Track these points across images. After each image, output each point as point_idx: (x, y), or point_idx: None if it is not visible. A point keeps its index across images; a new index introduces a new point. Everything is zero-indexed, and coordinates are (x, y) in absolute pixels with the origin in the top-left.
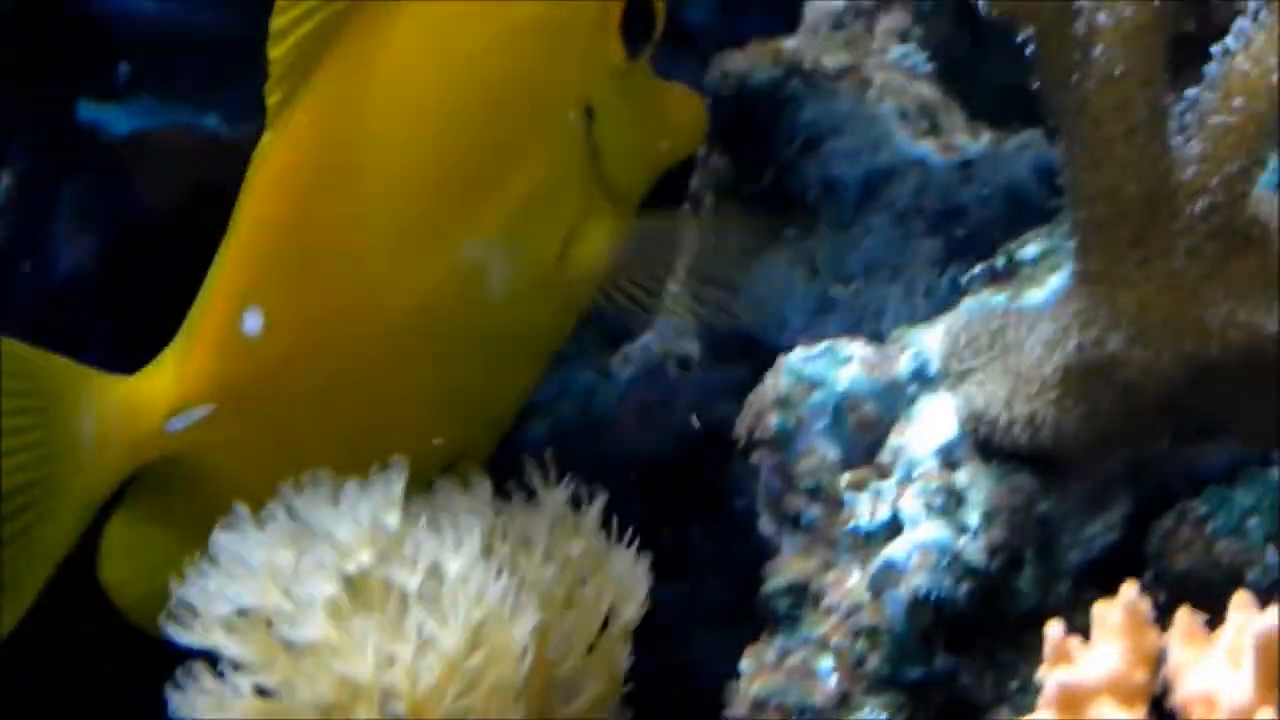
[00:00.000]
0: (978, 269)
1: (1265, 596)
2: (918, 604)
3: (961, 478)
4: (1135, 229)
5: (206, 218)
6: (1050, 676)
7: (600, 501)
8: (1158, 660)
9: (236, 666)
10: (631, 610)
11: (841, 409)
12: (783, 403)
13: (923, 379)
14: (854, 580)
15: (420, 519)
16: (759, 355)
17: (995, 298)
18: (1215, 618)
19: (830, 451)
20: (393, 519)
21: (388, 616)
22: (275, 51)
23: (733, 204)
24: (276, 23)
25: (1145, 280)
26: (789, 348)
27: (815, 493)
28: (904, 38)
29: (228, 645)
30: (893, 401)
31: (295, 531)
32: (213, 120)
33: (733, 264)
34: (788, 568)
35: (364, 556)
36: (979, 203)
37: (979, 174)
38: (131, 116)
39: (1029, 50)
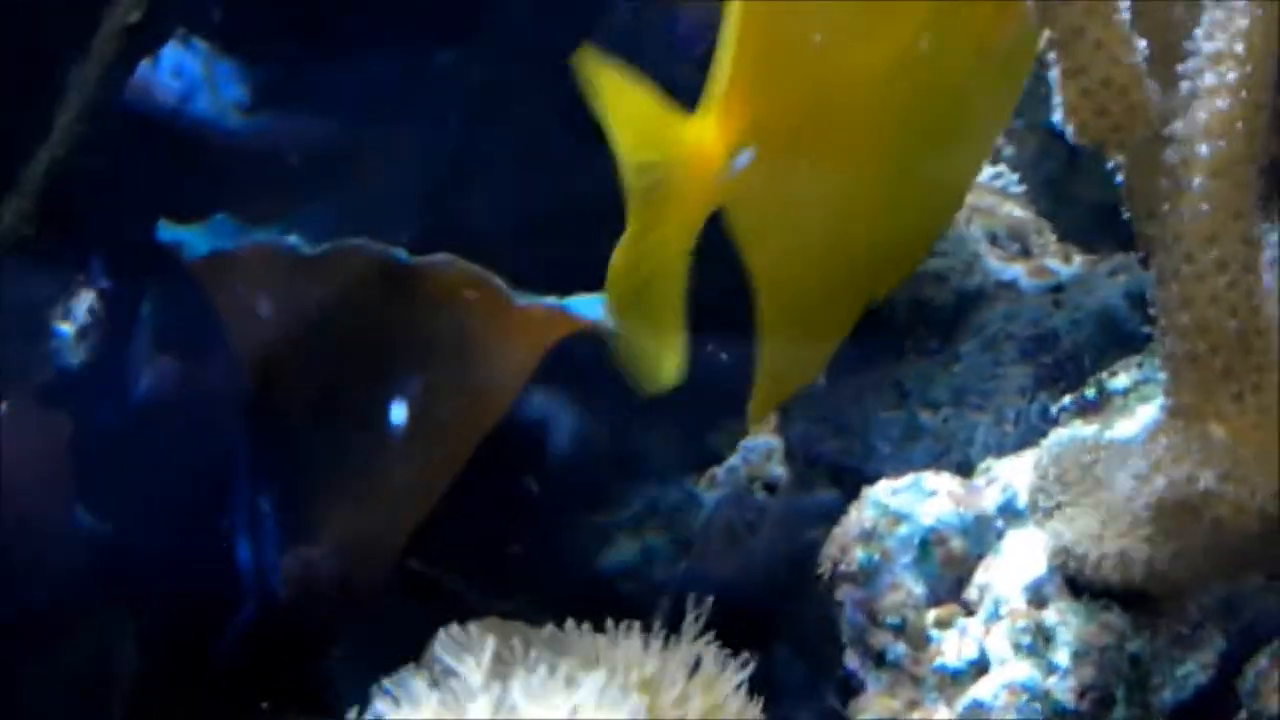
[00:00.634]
0: (1068, 399)
1: None
2: None
3: (1050, 615)
4: (1228, 362)
5: (285, 337)
6: None
7: (745, 669)
8: None
9: None
10: None
11: (927, 544)
12: (867, 536)
13: (1010, 513)
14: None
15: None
16: (846, 480)
17: (1085, 429)
18: None
19: (916, 587)
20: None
21: None
22: None
23: None
24: None
25: (1238, 415)
26: (876, 474)
27: (900, 629)
28: (995, 157)
29: None
30: (980, 536)
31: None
32: (294, 239)
33: (820, 389)
34: (873, 705)
35: None
36: (1070, 328)
37: (1070, 299)
38: (212, 236)
39: (1119, 178)
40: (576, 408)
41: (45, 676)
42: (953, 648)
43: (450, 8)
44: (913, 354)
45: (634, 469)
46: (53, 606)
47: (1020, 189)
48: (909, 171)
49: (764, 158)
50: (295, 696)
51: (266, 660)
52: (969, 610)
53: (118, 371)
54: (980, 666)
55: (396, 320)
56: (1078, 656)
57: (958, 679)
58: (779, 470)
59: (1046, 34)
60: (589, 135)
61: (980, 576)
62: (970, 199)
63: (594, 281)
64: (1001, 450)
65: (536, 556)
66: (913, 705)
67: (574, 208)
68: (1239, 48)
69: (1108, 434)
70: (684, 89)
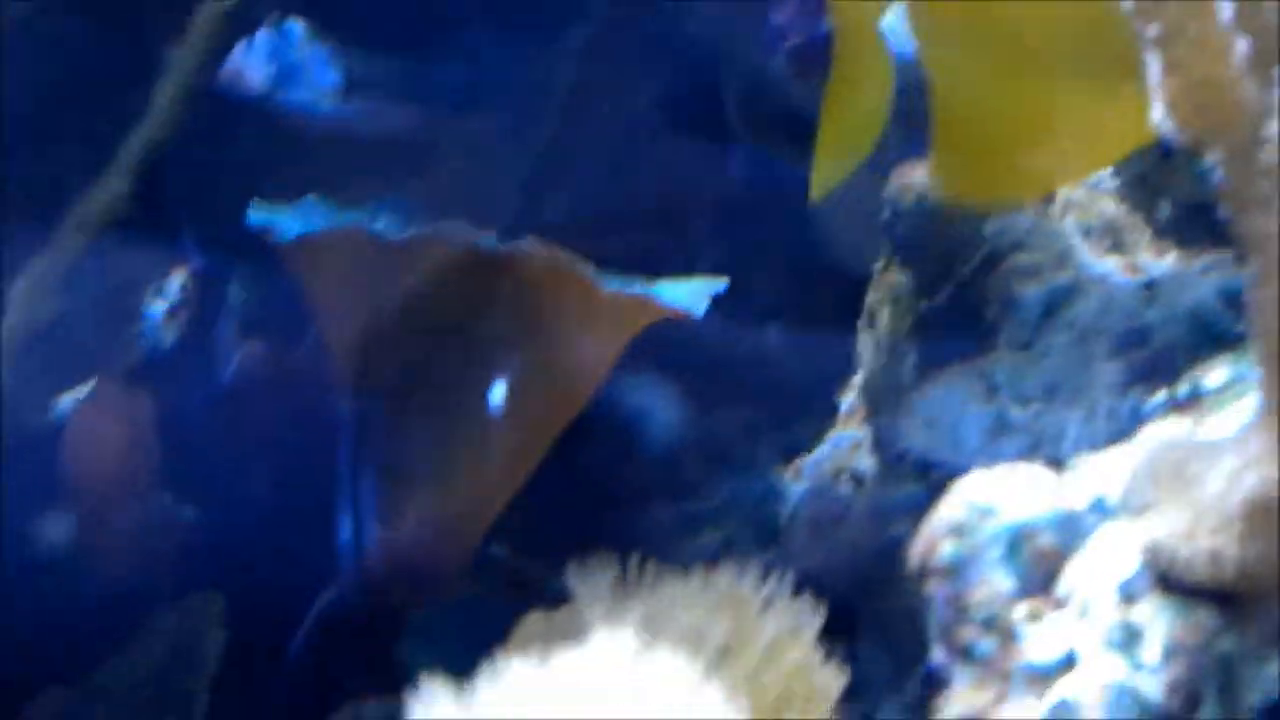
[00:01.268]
0: (1160, 396)
1: None
2: None
3: (1140, 613)
4: None
5: (372, 321)
6: None
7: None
8: None
9: None
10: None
11: (1017, 539)
12: (956, 531)
13: (1101, 509)
14: (1029, 716)
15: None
16: (934, 475)
17: (1177, 427)
18: None
19: (1005, 582)
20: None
21: None
22: None
23: (909, 320)
24: None
25: None
26: (965, 468)
27: (989, 624)
28: None
29: None
30: (1070, 532)
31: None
32: (383, 224)
33: (909, 382)
34: (960, 700)
35: None
36: (1162, 325)
37: (1163, 295)
38: (302, 219)
39: (1215, 176)
40: (663, 396)
41: (132, 659)
42: (1041, 644)
43: None
44: (1004, 348)
45: (719, 459)
46: (138, 588)
47: (1114, 184)
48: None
49: None
50: (373, 680)
51: (347, 643)
52: (1058, 606)
53: (206, 353)
54: (1068, 663)
55: (483, 306)
56: (1167, 654)
57: (1046, 675)
58: (866, 463)
59: (1146, 31)
60: (683, 129)
61: (1070, 573)
62: (1063, 193)
63: (680, 269)
64: (1092, 446)
65: (619, 546)
66: (1000, 700)
67: (664, 198)
68: None
69: (1200, 432)
70: (775, 80)
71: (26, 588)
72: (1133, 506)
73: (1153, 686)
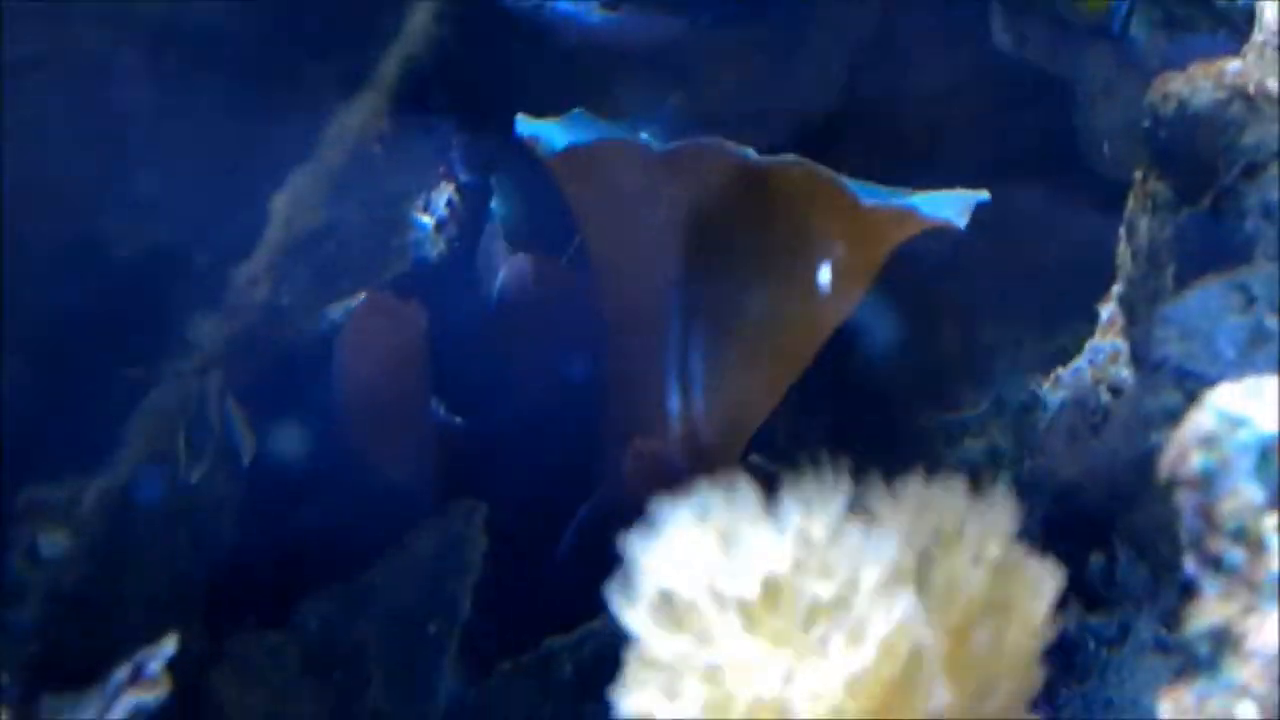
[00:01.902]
0: None
1: None
2: None
3: None
4: None
5: (637, 233)
6: None
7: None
8: None
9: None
10: (1042, 609)
11: (1269, 450)
12: (1207, 441)
13: None
14: (1277, 627)
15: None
16: (1190, 385)
17: None
18: None
19: (1255, 494)
20: (818, 529)
21: (797, 628)
22: None
23: (1168, 230)
24: None
25: None
26: (1220, 379)
27: (1239, 535)
28: None
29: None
30: None
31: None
32: (645, 136)
33: (1167, 292)
34: (1209, 611)
35: (781, 565)
36: None
37: None
38: (569, 131)
39: None
40: (926, 306)
41: (400, 561)
42: None
43: None
44: (1261, 258)
45: (982, 369)
46: (407, 494)
47: None
48: None
49: None
50: None
51: (606, 553)
52: None
53: (474, 265)
54: None
55: (745, 219)
56: None
57: None
58: (1124, 373)
59: None
60: (938, 41)
61: None
62: None
63: (939, 183)
64: None
65: (880, 456)
66: (1248, 611)
67: (922, 114)
68: None
69: None
70: None
71: (302, 492)
72: None
73: None
